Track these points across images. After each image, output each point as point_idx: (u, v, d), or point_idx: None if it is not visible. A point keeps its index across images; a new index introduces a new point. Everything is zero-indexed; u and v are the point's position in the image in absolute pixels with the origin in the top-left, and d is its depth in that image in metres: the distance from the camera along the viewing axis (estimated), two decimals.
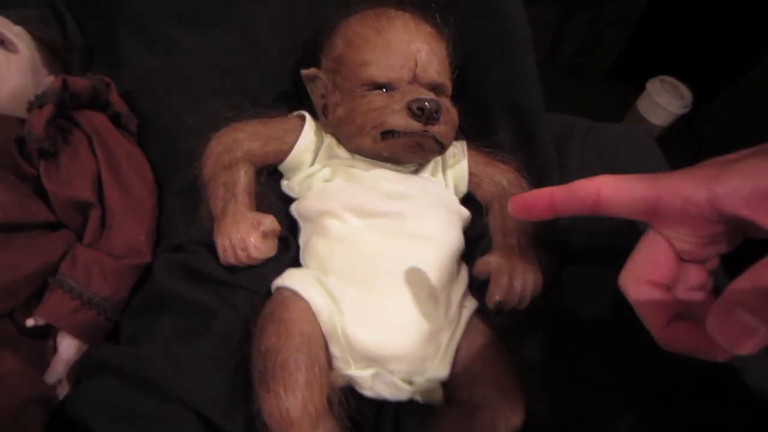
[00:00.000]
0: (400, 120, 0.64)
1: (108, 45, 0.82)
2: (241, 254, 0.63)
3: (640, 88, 1.62)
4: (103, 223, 0.68)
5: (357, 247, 0.64)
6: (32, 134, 0.66)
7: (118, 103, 0.75)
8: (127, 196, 0.70)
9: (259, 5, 0.78)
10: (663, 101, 1.53)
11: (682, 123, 1.60)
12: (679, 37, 1.76)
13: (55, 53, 0.83)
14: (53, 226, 0.68)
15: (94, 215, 0.68)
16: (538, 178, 0.75)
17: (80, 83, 0.72)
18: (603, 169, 0.75)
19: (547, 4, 1.90)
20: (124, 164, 0.71)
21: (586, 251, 0.72)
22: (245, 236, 0.63)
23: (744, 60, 1.59)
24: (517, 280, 0.65)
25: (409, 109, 0.63)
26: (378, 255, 0.63)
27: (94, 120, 0.73)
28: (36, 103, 0.69)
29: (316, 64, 0.74)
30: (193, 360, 0.57)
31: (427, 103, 0.63)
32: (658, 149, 0.88)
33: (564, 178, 0.77)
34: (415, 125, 0.64)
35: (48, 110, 0.68)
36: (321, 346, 0.58)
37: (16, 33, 0.77)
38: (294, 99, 0.78)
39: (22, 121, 0.69)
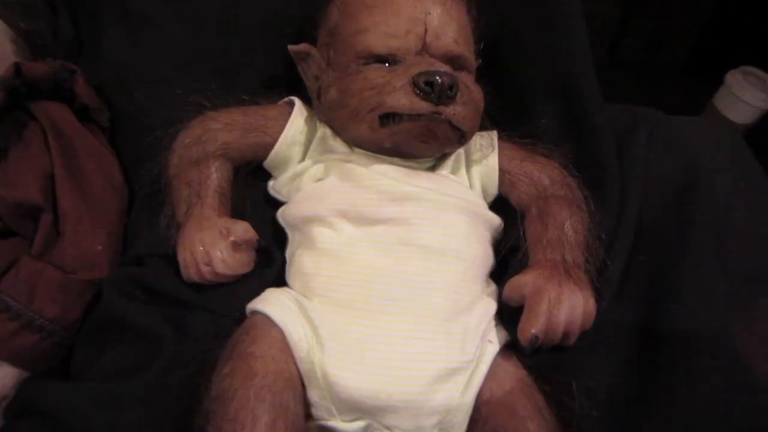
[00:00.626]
0: (402, 99, 0.50)
1: (93, 34, 0.73)
2: (205, 270, 0.51)
3: (718, 84, 1.43)
4: (57, 229, 0.58)
5: (349, 262, 0.50)
6: None
7: (85, 93, 0.65)
8: (86, 198, 0.59)
9: None
10: (745, 95, 1.35)
11: None
12: (762, 23, 1.56)
13: (35, 44, 0.74)
14: (2, 234, 0.57)
15: (45, 221, 0.57)
16: (591, 176, 0.60)
17: (38, 69, 0.62)
18: (676, 165, 0.62)
19: None
20: (84, 162, 0.61)
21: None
22: (210, 248, 0.51)
23: None
24: (562, 308, 0.49)
25: (414, 84, 0.49)
26: (374, 272, 0.49)
27: (53, 111, 0.62)
28: None
29: (312, 40, 0.61)
30: (127, 406, 0.45)
31: (438, 77, 0.49)
32: (743, 143, 0.71)
33: (626, 177, 0.63)
34: (422, 105, 0.50)
35: None
36: (293, 391, 0.45)
37: None
38: (286, 84, 0.65)
39: None
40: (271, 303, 0.49)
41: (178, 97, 0.59)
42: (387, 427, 0.45)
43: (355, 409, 0.45)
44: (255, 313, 0.49)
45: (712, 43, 1.70)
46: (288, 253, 0.56)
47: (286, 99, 0.62)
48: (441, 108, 0.50)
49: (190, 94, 0.58)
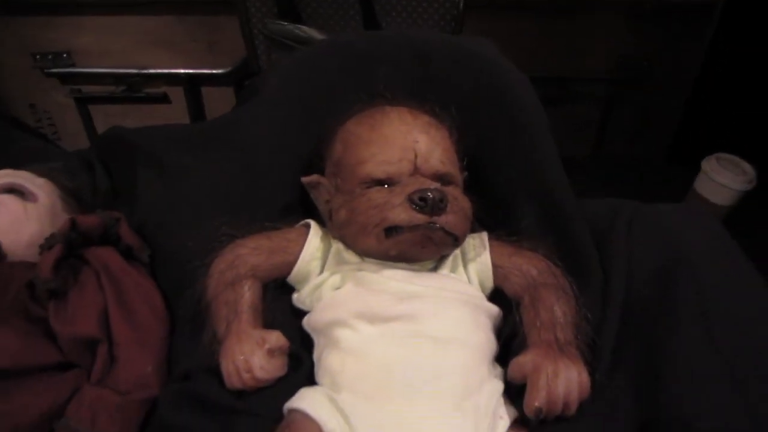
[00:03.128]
0: (402, 214, 0.59)
1: (128, 183, 0.85)
2: (246, 377, 0.58)
3: (698, 171, 1.54)
4: (111, 357, 0.65)
5: (369, 357, 0.58)
6: (39, 277, 0.67)
7: (128, 236, 0.75)
8: (135, 328, 0.67)
9: (260, 124, 0.79)
10: (722, 179, 1.44)
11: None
12: (734, 114, 1.69)
13: (80, 198, 0.86)
14: (64, 367, 0.65)
15: (102, 351, 0.65)
16: (573, 265, 0.68)
17: (89, 221, 0.73)
18: (657, 250, 0.71)
19: (589, 99, 1.89)
20: (132, 296, 0.69)
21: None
22: (249, 357, 0.58)
23: None
24: (559, 381, 0.56)
25: (410, 201, 0.59)
26: (392, 364, 0.56)
27: (103, 255, 0.72)
28: (45, 246, 0.70)
29: (321, 172, 0.72)
30: None
31: (429, 193, 0.59)
32: (719, 225, 0.78)
33: (609, 263, 0.70)
34: (419, 218, 0.59)
35: (56, 251, 0.68)
36: None
37: (37, 184, 0.81)
38: (300, 210, 0.76)
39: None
40: (305, 400, 0.56)
41: (209, 230, 0.69)
42: None
43: None
44: (292, 410, 0.56)
45: (691, 136, 1.84)
46: (315, 356, 0.63)
47: (302, 222, 0.71)
48: (435, 218, 0.59)
49: (221, 227, 0.68)
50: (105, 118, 1.94)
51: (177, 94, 1.89)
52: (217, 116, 0.88)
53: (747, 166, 1.47)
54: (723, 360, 0.59)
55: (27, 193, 0.78)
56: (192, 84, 1.86)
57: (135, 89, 1.88)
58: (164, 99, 1.92)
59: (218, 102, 1.86)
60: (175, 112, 1.91)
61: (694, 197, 1.51)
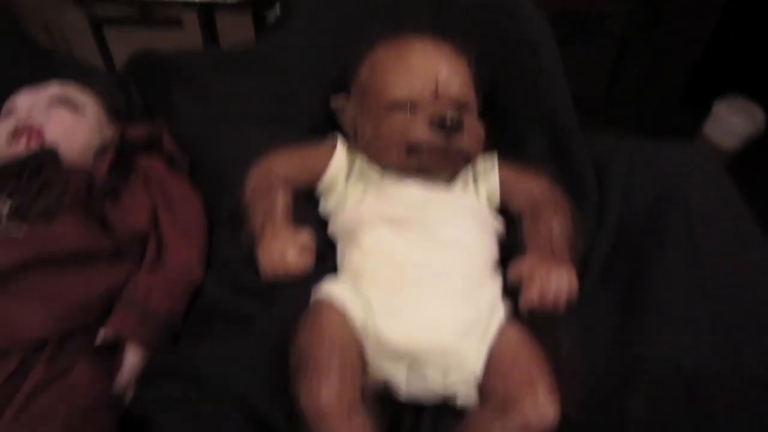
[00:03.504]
0: (423, 134, 0.67)
1: (163, 101, 0.93)
2: (280, 269, 0.67)
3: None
4: (159, 249, 0.75)
5: (388, 254, 0.66)
6: (97, 178, 0.76)
7: (171, 146, 0.84)
8: (179, 223, 0.77)
9: (291, 51, 0.87)
10: (731, 123, 1.47)
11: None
12: (752, 56, 1.68)
13: (118, 113, 0.93)
14: (118, 257, 0.74)
15: (151, 244, 0.74)
16: (573, 190, 0.76)
17: (137, 132, 0.82)
18: (653, 181, 0.77)
19: (603, 39, 1.89)
20: (176, 199, 0.79)
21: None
22: (283, 251, 0.67)
23: None
24: (551, 281, 0.65)
25: (431, 123, 0.66)
26: (408, 260, 0.65)
27: (150, 162, 0.82)
28: (99, 152, 0.79)
29: (345, 90, 0.80)
30: (237, 360, 0.63)
31: (448, 116, 0.66)
32: (719, 166, 0.83)
33: (606, 196, 0.78)
34: (438, 137, 0.67)
35: (110, 157, 0.78)
36: (354, 347, 0.60)
37: (84, 98, 0.88)
38: (328, 128, 0.83)
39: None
40: (331, 287, 0.65)
41: (244, 143, 0.77)
42: (424, 372, 0.60)
43: (400, 356, 0.60)
44: (319, 297, 0.65)
45: (705, 75, 1.81)
46: (338, 259, 0.72)
47: (330, 137, 0.79)
48: (452, 139, 0.67)
49: (254, 140, 0.76)
50: (118, 43, 1.95)
51: (190, 19, 1.81)
52: (235, 44, 0.94)
53: (758, 112, 1.48)
54: (707, 300, 0.67)
55: (80, 107, 0.85)
56: (206, 11, 1.84)
57: (149, 13, 1.85)
58: (178, 24, 1.92)
59: (232, 31, 1.85)
60: (188, 38, 1.91)
61: (702, 140, 1.54)
